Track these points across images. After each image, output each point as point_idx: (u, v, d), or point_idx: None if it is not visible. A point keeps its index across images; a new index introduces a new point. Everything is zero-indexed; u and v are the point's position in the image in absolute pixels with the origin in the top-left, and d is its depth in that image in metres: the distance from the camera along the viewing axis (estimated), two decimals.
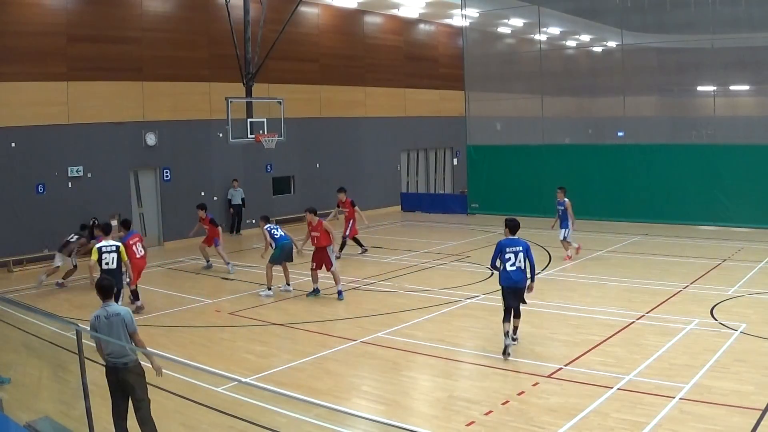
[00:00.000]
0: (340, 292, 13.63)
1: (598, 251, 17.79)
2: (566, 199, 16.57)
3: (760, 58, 21.35)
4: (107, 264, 11.80)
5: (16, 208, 17.87)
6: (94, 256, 11.83)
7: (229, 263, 16.68)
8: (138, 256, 13.12)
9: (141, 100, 20.52)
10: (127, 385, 6.70)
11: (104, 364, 6.82)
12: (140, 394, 6.76)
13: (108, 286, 7.06)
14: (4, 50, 17.55)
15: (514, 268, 9.82)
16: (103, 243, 12.03)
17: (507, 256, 9.86)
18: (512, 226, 10.11)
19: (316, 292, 13.91)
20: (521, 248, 9.88)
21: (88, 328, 6.95)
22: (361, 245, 18.61)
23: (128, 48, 20.06)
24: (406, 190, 30.40)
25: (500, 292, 10.07)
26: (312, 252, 14.02)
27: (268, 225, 14.42)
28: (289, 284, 14.31)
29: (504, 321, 9.84)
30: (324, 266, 13.69)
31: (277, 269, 14.20)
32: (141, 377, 6.81)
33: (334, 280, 13.75)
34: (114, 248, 11.94)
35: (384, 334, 11.06)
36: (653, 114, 26.33)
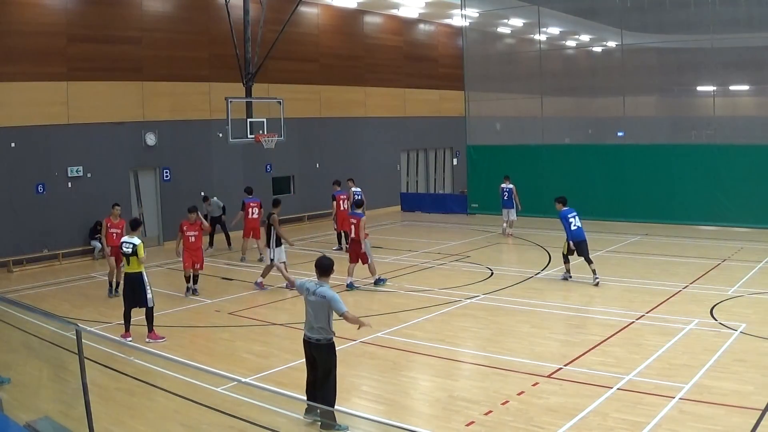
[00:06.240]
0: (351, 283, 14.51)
1: (598, 251, 17.75)
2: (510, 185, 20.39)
3: (760, 58, 21.33)
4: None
5: (16, 208, 17.87)
6: (141, 253, 11.18)
7: (243, 255, 18.08)
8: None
9: (141, 100, 20.51)
10: (315, 359, 7.63)
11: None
12: (325, 368, 7.60)
13: (325, 265, 7.77)
14: (4, 50, 17.55)
15: (576, 227, 14.32)
16: (126, 239, 11.45)
17: (570, 220, 14.28)
18: (564, 200, 14.71)
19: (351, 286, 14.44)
20: (575, 213, 14.48)
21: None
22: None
23: (128, 48, 20.05)
24: (406, 190, 30.40)
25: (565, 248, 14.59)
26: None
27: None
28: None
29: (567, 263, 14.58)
30: (360, 260, 14.51)
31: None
32: (329, 354, 7.60)
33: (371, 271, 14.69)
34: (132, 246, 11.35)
35: (384, 334, 11.06)
36: (653, 114, 26.32)
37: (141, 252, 11.13)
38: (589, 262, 14.26)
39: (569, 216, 14.49)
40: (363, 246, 14.38)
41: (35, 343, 10.10)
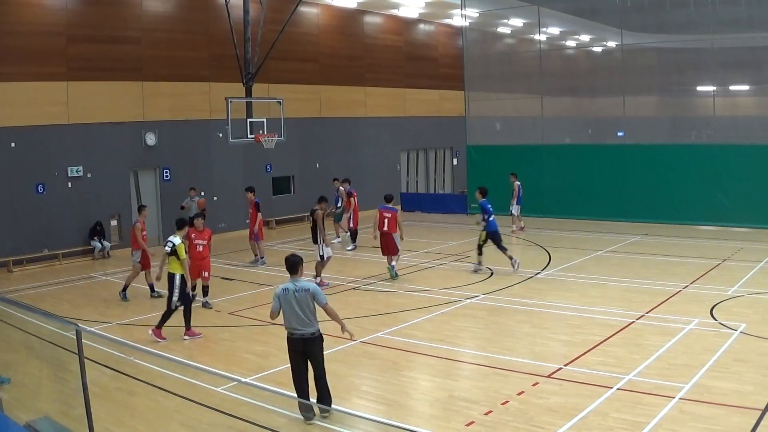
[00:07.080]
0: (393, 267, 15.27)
1: (598, 251, 17.80)
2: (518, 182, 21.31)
3: (760, 58, 21.34)
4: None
5: (16, 208, 17.87)
6: (182, 253, 11.20)
7: (262, 257, 17.53)
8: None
9: (141, 100, 20.52)
10: (308, 354, 7.76)
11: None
12: (319, 360, 7.80)
13: (295, 261, 7.82)
14: (4, 50, 17.55)
15: (493, 218, 15.50)
16: (171, 237, 11.48)
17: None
18: (484, 191, 16.06)
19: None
20: (490, 205, 15.73)
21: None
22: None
23: (128, 48, 20.06)
24: (406, 190, 30.39)
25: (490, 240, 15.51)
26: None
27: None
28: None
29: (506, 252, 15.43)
30: (390, 251, 15.26)
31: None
32: (321, 345, 7.84)
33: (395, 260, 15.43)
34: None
35: (384, 334, 11.06)
36: (653, 114, 26.31)
37: (182, 252, 11.14)
38: (504, 250, 15.51)
39: (487, 207, 15.61)
40: (396, 239, 15.16)
41: (35, 343, 10.12)
